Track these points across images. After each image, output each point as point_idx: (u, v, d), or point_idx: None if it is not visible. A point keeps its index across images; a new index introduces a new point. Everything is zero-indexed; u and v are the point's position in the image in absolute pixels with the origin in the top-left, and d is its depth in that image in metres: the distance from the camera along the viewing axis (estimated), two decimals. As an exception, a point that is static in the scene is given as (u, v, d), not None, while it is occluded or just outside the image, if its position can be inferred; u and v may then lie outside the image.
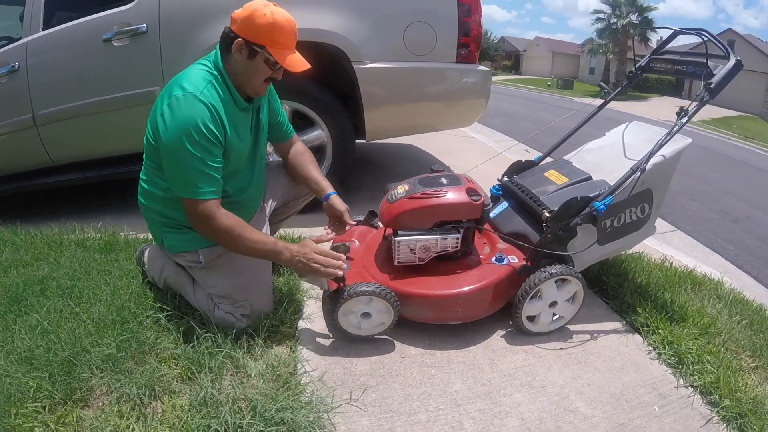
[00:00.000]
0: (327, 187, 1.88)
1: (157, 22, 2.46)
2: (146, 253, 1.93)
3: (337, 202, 1.85)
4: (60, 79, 2.64)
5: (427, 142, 4.87)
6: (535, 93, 25.36)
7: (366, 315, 1.65)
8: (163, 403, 1.41)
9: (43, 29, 2.61)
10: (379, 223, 1.97)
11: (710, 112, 20.69)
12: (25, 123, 2.70)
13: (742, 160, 11.02)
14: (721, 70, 1.78)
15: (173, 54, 2.47)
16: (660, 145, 1.76)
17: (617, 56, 30.94)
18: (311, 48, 2.36)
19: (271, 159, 2.07)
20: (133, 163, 1.75)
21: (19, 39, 2.65)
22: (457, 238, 1.76)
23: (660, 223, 3.85)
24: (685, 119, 1.79)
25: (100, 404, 1.42)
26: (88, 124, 2.65)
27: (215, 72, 1.55)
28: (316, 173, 1.92)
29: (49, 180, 2.85)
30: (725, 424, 1.50)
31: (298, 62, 1.56)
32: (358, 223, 1.93)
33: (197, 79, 1.50)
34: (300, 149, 1.96)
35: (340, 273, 1.56)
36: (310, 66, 1.58)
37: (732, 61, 1.78)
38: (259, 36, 1.49)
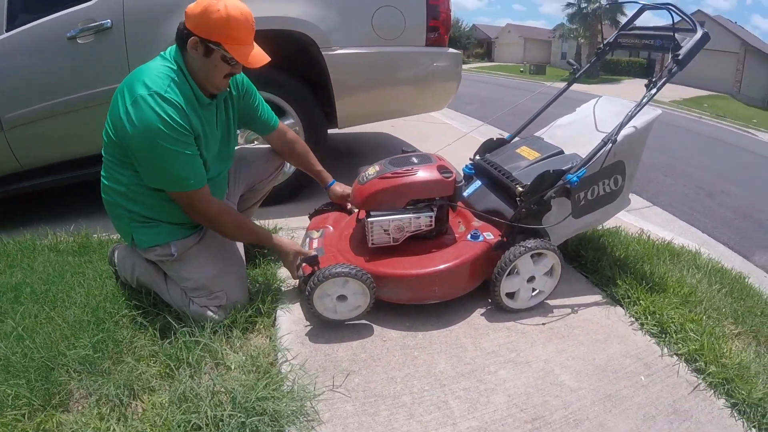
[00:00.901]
0: (327, 177, 2.08)
1: (122, 17, 2.41)
2: (116, 254, 1.89)
3: (337, 190, 2.07)
4: (25, 81, 2.57)
5: (401, 129, 4.86)
6: (508, 79, 25.38)
7: (342, 298, 1.64)
8: (143, 402, 1.39)
9: (7, 31, 2.54)
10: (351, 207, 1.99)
11: (681, 92, 21.03)
12: None
13: (715, 137, 11.22)
14: (688, 43, 1.80)
15: (139, 49, 2.41)
16: (630, 117, 1.77)
17: (588, 40, 31.12)
18: (279, 36, 2.33)
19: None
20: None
21: None
22: (431, 217, 1.75)
23: (636, 199, 3.91)
24: (654, 90, 1.81)
25: (79, 407, 1.39)
26: (57, 125, 2.59)
27: (176, 67, 1.51)
28: (315, 164, 2.05)
29: (19, 186, 2.78)
30: (712, 390, 1.51)
31: (256, 58, 1.52)
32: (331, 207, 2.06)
33: (160, 76, 1.47)
34: (292, 139, 1.99)
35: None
36: (269, 59, 1.54)
37: (699, 33, 1.80)
38: (213, 33, 1.45)
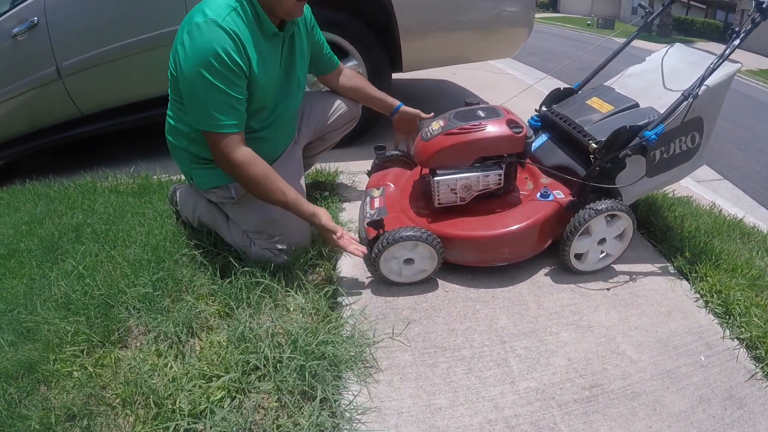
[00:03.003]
0: (393, 101, 1.96)
1: (177, -44, 2.36)
2: (178, 193, 1.89)
3: (409, 109, 1.95)
4: (81, 28, 2.61)
5: (463, 77, 4.67)
6: (574, 32, 24.27)
7: (409, 261, 1.59)
8: (201, 340, 1.40)
9: None
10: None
11: (759, 62, 19.62)
12: (50, 76, 2.68)
13: (793, 114, 10.47)
14: None
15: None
16: (712, 70, 1.61)
17: (662, -7, 29.20)
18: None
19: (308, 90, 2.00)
20: (161, 106, 1.72)
21: None
22: (500, 175, 1.66)
23: (707, 171, 3.72)
24: (737, 41, 1.63)
25: (137, 344, 1.42)
26: (113, 70, 2.62)
27: None
28: (378, 92, 1.97)
29: (79, 131, 2.86)
30: (769, 382, 1.43)
31: None
32: (389, 157, 1.99)
33: (221, 5, 1.38)
34: (352, 74, 1.93)
35: (359, 253, 1.56)
36: None
37: None
38: None
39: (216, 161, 1.50)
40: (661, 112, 1.65)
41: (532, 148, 1.91)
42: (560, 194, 1.70)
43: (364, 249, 1.57)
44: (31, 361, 1.34)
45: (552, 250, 1.72)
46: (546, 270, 1.75)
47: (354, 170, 2.43)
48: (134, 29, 2.50)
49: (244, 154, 1.45)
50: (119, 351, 1.39)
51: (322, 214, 1.54)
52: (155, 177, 2.40)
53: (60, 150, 3.30)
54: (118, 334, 1.42)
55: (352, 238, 1.59)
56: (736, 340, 1.54)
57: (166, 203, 2.01)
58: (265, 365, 1.26)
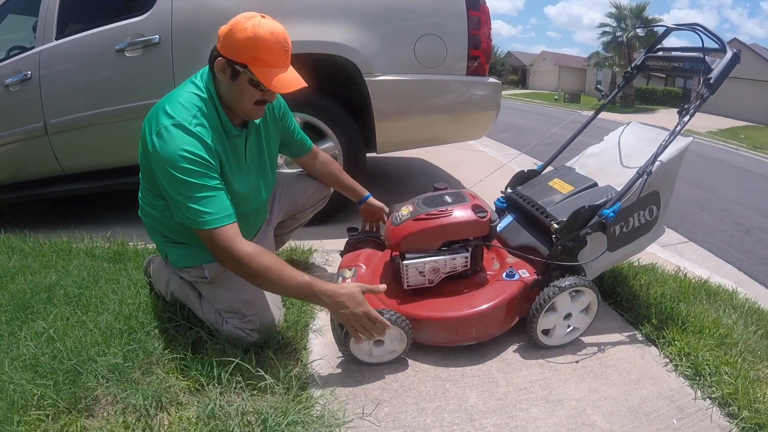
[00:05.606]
0: (363, 190, 2.05)
1: (170, 34, 2.48)
2: (152, 266, 1.89)
3: (375, 201, 2.05)
4: (72, 89, 2.67)
5: (436, 156, 4.88)
6: (542, 107, 25.27)
7: (378, 342, 1.60)
8: (170, 415, 1.38)
9: (57, 39, 2.64)
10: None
11: (718, 122, 20.62)
12: (37, 131, 2.73)
13: (752, 170, 10.93)
14: (718, 64, 1.74)
15: (185, 65, 2.48)
16: (664, 147, 1.72)
17: (623, 69, 30.78)
18: (322, 60, 2.37)
19: (281, 170, 2.06)
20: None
21: (32, 48, 2.68)
22: (466, 257, 1.72)
23: (672, 235, 3.86)
24: (687, 117, 1.75)
25: (104, 414, 1.39)
26: (100, 133, 2.67)
27: (205, 95, 1.44)
28: (349, 180, 2.05)
29: (60, 188, 2.87)
30: (744, 436, 1.45)
31: (286, 82, 1.38)
32: (361, 238, 2.05)
33: (186, 106, 1.40)
34: (326, 159, 1.98)
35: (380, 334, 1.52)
36: (305, 85, 1.42)
37: (729, 54, 1.74)
38: (239, 53, 1.35)
39: (219, 261, 1.42)
40: (619, 189, 1.74)
41: (499, 229, 1.98)
42: (525, 273, 1.75)
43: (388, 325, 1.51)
44: (-7, 419, 1.30)
45: (520, 327, 1.75)
46: (515, 346, 1.77)
47: (328, 249, 2.48)
48: (124, 97, 2.58)
49: (246, 246, 1.37)
50: (86, 420, 1.36)
51: (355, 291, 1.44)
52: (131, 244, 2.40)
53: (37, 205, 3.29)
54: (86, 403, 1.40)
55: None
56: (708, 399, 1.57)
57: (142, 272, 2.01)
58: (234, 444, 1.24)
